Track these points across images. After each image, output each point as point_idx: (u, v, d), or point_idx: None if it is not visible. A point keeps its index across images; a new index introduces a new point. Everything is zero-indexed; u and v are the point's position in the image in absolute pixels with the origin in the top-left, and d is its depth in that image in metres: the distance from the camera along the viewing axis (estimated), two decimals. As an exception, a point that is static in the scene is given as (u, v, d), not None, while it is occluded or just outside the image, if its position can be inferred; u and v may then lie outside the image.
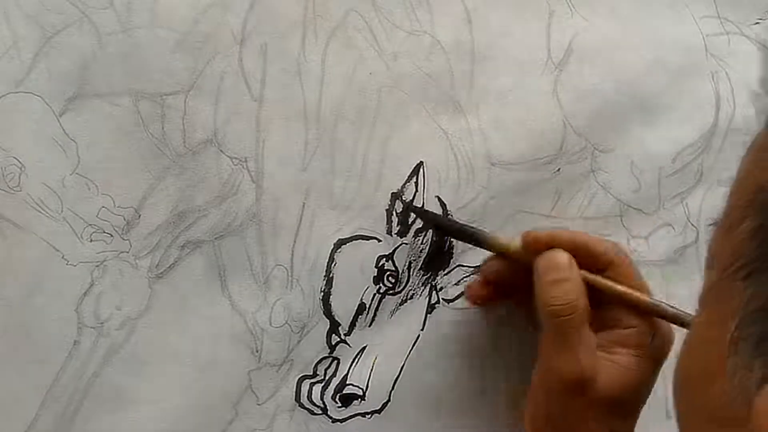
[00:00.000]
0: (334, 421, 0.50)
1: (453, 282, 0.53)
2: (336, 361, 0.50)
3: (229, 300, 0.48)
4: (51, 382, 0.44)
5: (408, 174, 0.51)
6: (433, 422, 0.53)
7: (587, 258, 0.48)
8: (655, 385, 0.49)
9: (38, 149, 0.44)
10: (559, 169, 0.54)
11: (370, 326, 0.51)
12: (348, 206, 0.50)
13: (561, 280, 0.47)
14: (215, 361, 0.47)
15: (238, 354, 0.48)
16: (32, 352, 0.44)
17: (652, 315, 0.49)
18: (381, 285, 0.51)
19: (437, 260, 0.52)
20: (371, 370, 0.51)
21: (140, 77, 0.45)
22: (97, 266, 0.45)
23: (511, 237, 0.51)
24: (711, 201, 0.58)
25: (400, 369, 0.52)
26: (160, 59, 0.45)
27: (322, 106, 0.49)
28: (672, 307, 0.48)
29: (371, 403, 0.51)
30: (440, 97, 0.52)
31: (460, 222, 0.52)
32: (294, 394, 0.49)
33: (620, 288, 0.49)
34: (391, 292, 0.51)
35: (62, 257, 0.44)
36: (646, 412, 0.49)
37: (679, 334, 0.48)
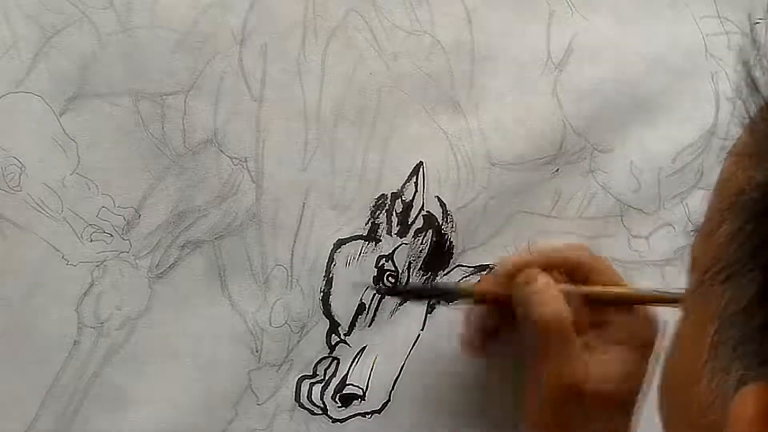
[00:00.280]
0: (334, 421, 0.50)
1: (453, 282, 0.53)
2: (336, 361, 0.50)
3: (229, 300, 0.48)
4: (51, 382, 0.44)
5: (408, 174, 0.51)
6: (433, 422, 0.53)
7: (559, 267, 0.50)
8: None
9: (38, 149, 0.44)
10: (558, 170, 0.54)
11: (369, 326, 0.51)
12: (348, 206, 0.50)
13: (538, 292, 0.48)
14: (215, 361, 0.48)
15: (238, 354, 0.48)
16: (32, 352, 0.44)
17: (635, 303, 0.49)
18: (381, 285, 0.51)
19: (437, 260, 0.52)
20: (371, 370, 0.51)
21: (140, 77, 0.45)
22: (97, 266, 0.45)
23: (484, 277, 0.52)
24: (711, 201, 0.58)
25: (400, 369, 0.52)
26: (160, 59, 0.45)
27: (322, 106, 0.49)
28: (653, 291, 0.49)
29: (371, 403, 0.51)
30: (440, 97, 0.52)
31: (423, 284, 0.52)
32: (294, 394, 0.49)
33: (598, 289, 0.50)
34: (391, 292, 0.51)
35: (62, 257, 0.44)
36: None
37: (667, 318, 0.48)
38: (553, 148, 0.54)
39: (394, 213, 0.51)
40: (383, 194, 0.51)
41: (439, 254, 0.52)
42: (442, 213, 0.52)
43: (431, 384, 0.52)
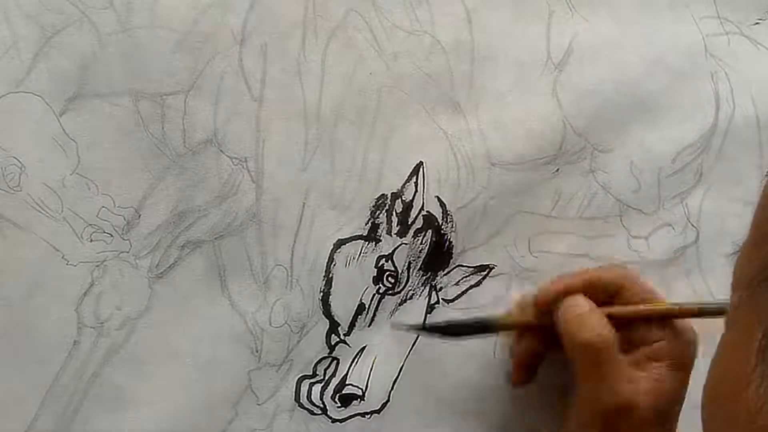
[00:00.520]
0: (334, 421, 0.50)
1: (453, 282, 0.53)
2: (335, 361, 0.50)
3: (229, 300, 0.48)
4: (51, 382, 0.44)
5: (408, 174, 0.51)
6: (432, 422, 0.53)
7: (598, 292, 0.50)
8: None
9: (38, 149, 0.44)
10: (558, 170, 0.54)
11: (369, 326, 0.51)
12: (348, 206, 0.50)
13: (583, 314, 0.49)
14: (215, 361, 0.48)
15: (238, 354, 0.48)
16: (32, 352, 0.44)
17: (674, 318, 0.50)
18: (381, 285, 0.51)
19: (437, 260, 0.52)
20: (371, 370, 0.51)
21: (140, 77, 0.45)
22: (97, 266, 0.45)
23: (520, 303, 0.53)
24: (711, 201, 0.58)
25: (399, 369, 0.52)
26: (160, 59, 0.45)
27: (322, 106, 0.49)
28: (692, 304, 0.50)
29: (371, 403, 0.51)
30: (440, 97, 0.52)
31: (467, 319, 0.52)
32: (294, 394, 0.50)
33: (637, 308, 0.50)
34: (390, 292, 0.51)
35: (62, 257, 0.44)
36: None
37: (708, 331, 0.48)
38: (553, 148, 0.54)
39: (394, 213, 0.51)
40: (383, 194, 0.51)
41: (439, 254, 0.52)
42: (442, 213, 0.52)
43: (431, 384, 0.52)
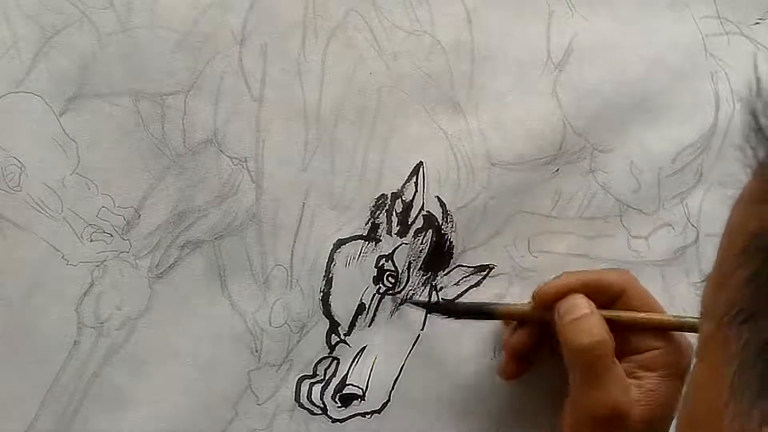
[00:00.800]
0: (334, 421, 0.50)
1: (453, 282, 0.53)
2: (336, 361, 0.50)
3: (228, 300, 0.48)
4: (51, 382, 0.44)
5: (408, 174, 0.51)
6: (433, 422, 0.53)
7: (599, 294, 0.50)
8: None
9: (38, 149, 0.44)
10: (558, 170, 0.54)
11: (369, 326, 0.51)
12: (348, 206, 0.50)
13: (583, 317, 0.48)
14: (215, 361, 0.48)
15: (238, 354, 0.48)
16: (32, 352, 0.44)
17: (670, 330, 0.50)
18: (381, 285, 0.51)
19: (437, 260, 0.52)
20: (371, 370, 0.51)
21: (140, 77, 0.45)
22: (97, 266, 0.45)
23: (521, 302, 0.52)
24: (711, 201, 0.58)
25: (399, 369, 0.52)
26: (160, 59, 0.45)
27: (322, 106, 0.49)
28: (690, 317, 0.50)
29: (371, 403, 0.51)
30: (440, 97, 0.52)
31: (469, 302, 0.53)
32: (294, 394, 0.50)
33: (636, 315, 0.50)
34: (390, 292, 0.51)
35: (62, 257, 0.44)
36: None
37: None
38: (553, 148, 0.54)
39: (394, 213, 0.51)
40: (383, 194, 0.51)
41: (439, 254, 0.52)
42: (442, 213, 0.52)
43: (431, 384, 0.52)
